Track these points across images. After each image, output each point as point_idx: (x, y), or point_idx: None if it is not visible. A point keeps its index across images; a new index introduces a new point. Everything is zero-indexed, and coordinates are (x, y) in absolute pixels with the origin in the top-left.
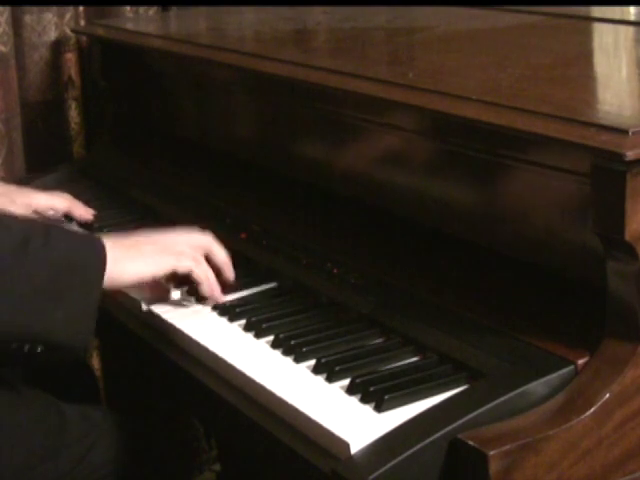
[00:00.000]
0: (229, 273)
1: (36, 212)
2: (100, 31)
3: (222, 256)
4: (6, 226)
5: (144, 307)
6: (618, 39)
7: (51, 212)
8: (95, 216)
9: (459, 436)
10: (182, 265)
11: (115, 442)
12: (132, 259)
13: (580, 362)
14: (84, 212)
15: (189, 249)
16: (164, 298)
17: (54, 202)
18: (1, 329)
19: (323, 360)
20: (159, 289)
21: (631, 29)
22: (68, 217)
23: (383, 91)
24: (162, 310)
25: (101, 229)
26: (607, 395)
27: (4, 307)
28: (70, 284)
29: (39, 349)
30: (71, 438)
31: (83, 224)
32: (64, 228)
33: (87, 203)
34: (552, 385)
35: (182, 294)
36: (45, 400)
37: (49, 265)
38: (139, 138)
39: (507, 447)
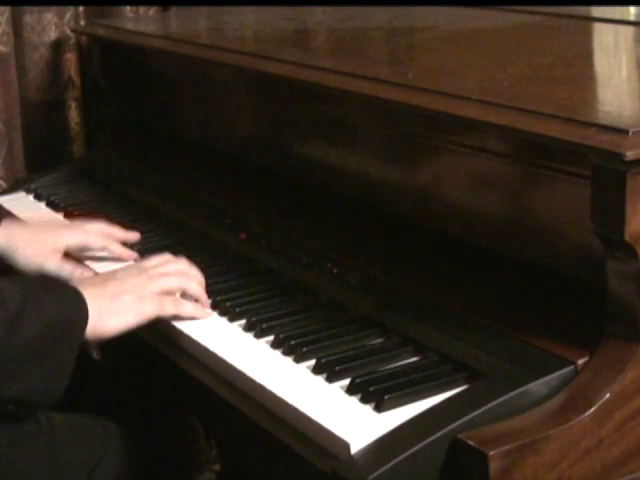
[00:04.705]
0: (204, 299)
1: (67, 252)
2: (100, 31)
3: (197, 281)
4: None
5: None
6: (618, 39)
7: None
8: None
9: (459, 436)
10: (165, 310)
11: (120, 457)
12: (114, 313)
13: (580, 362)
14: (122, 250)
15: (166, 283)
16: None
17: (88, 240)
18: None
19: (323, 360)
20: None
21: (631, 29)
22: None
23: (383, 91)
24: None
25: None
26: (607, 395)
27: None
28: (51, 347)
29: (9, 408)
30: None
31: None
32: (54, 285)
33: (87, 203)
34: (552, 385)
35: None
36: (36, 437)
37: (36, 333)
38: (139, 138)
39: (507, 447)
